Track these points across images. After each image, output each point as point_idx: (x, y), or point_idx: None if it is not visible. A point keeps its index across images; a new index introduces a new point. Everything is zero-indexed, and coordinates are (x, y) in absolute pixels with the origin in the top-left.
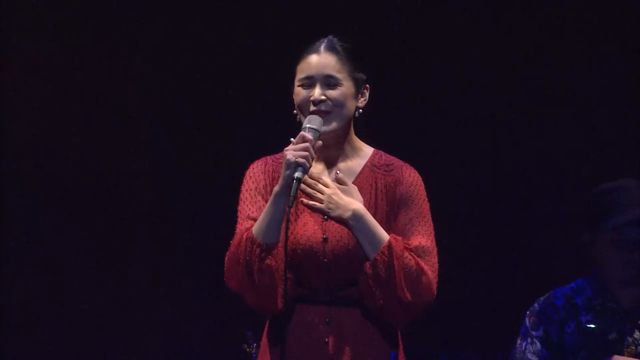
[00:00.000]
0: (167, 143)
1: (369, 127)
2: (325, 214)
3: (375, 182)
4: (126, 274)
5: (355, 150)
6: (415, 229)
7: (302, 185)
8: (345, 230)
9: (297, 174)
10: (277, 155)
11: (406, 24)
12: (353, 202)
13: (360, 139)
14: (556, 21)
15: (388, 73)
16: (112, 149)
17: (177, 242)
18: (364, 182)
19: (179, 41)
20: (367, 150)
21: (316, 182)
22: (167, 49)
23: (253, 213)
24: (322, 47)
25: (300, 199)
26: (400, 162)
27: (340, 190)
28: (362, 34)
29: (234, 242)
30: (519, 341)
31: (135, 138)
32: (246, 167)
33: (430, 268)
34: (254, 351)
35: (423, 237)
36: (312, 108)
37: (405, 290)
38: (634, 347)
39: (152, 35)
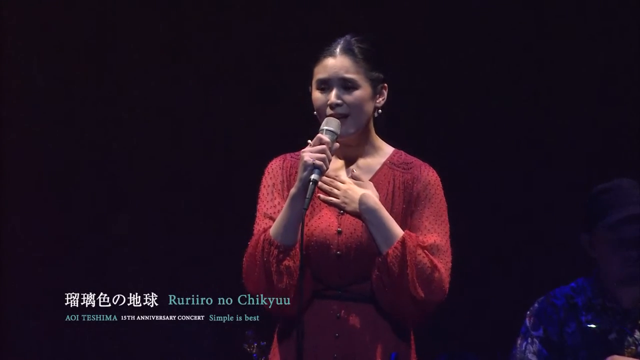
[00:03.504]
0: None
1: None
2: (341, 209)
3: (393, 180)
4: (125, 272)
5: (375, 149)
6: (431, 227)
7: (319, 183)
8: (360, 224)
9: (313, 176)
10: (296, 153)
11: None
12: (368, 197)
13: (381, 138)
14: (557, 21)
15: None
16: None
17: (176, 240)
18: (382, 178)
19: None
20: (387, 150)
21: (332, 180)
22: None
23: (269, 211)
24: (338, 49)
25: (318, 195)
26: (420, 162)
27: (356, 186)
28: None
29: (251, 243)
30: (519, 341)
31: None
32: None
33: (444, 266)
34: (254, 351)
35: (438, 236)
36: (329, 112)
37: (417, 286)
38: (634, 347)
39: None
